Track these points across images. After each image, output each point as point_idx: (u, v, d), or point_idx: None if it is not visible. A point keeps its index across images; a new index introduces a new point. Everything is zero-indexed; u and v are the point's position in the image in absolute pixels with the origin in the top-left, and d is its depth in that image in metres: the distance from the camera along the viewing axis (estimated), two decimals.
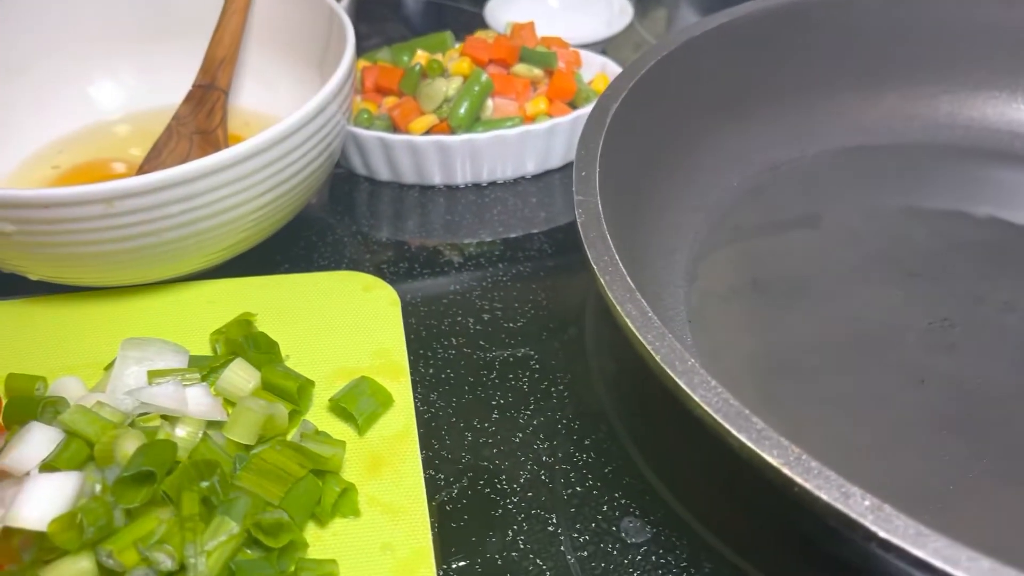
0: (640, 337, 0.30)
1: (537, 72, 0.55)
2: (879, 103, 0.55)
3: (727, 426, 0.27)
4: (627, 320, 0.31)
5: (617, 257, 0.33)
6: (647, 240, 0.44)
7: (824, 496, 0.25)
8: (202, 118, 0.49)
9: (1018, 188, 0.51)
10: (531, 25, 0.58)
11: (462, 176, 0.54)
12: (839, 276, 0.46)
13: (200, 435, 0.34)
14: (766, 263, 0.47)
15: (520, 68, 0.55)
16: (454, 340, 0.44)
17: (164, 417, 0.34)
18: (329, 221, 0.53)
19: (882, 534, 0.24)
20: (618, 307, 0.31)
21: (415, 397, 0.41)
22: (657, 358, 0.29)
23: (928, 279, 0.45)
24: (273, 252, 0.49)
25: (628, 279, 0.32)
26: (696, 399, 0.28)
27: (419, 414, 0.40)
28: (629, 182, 0.43)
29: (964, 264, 0.46)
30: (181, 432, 0.33)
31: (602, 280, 0.33)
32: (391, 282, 0.46)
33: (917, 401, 0.39)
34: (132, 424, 0.34)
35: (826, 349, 0.42)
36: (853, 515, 0.24)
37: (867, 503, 0.24)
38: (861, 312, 0.44)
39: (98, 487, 0.32)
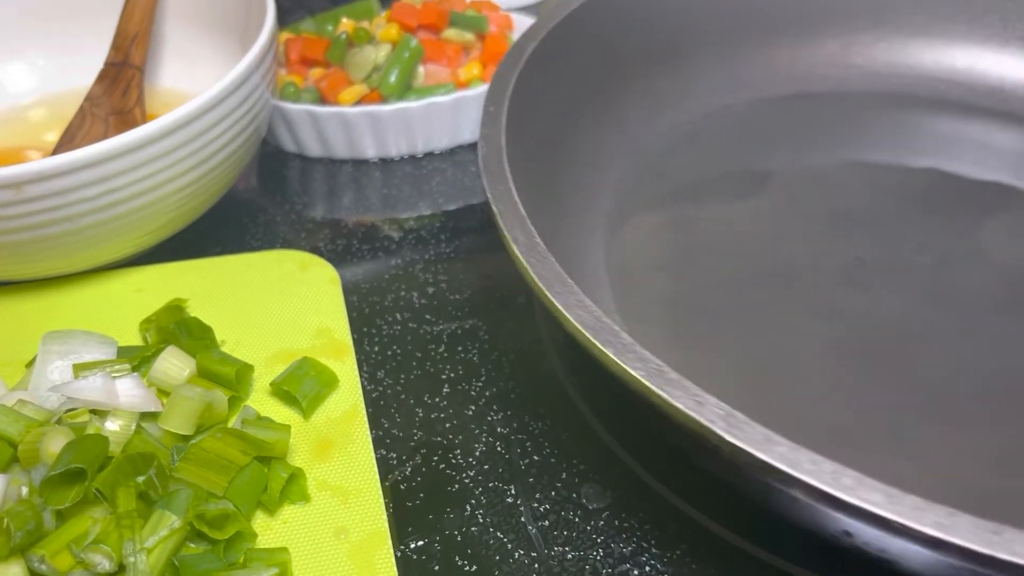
0: (524, 260, 0.30)
1: (469, 37, 0.53)
2: (817, 51, 0.54)
3: (595, 341, 0.27)
4: (513, 245, 0.30)
5: (513, 187, 0.32)
6: (569, 180, 0.43)
7: (679, 405, 0.25)
8: (117, 98, 0.46)
9: (956, 137, 0.51)
10: None
11: (396, 148, 0.52)
12: (762, 219, 0.46)
13: (133, 428, 0.32)
14: (691, 207, 0.47)
15: (451, 33, 0.53)
16: (399, 316, 0.43)
17: (93, 412, 0.32)
18: (260, 201, 0.51)
19: (729, 438, 0.24)
20: (506, 233, 0.31)
21: (362, 376, 0.39)
22: (539, 283, 0.29)
23: (852, 222, 0.45)
24: (203, 235, 0.46)
25: (520, 208, 0.32)
26: (569, 317, 0.27)
27: (367, 393, 0.39)
28: (550, 123, 0.42)
29: (890, 209, 0.46)
30: (112, 426, 0.31)
31: (495, 208, 0.32)
32: (329, 261, 0.44)
33: (824, 336, 0.39)
34: (59, 421, 0.32)
35: (740, 287, 0.42)
36: (704, 421, 0.24)
37: (720, 411, 0.24)
38: (779, 252, 0.43)
39: (24, 490, 0.30)
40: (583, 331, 0.27)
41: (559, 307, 0.28)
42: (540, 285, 0.29)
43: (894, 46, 0.55)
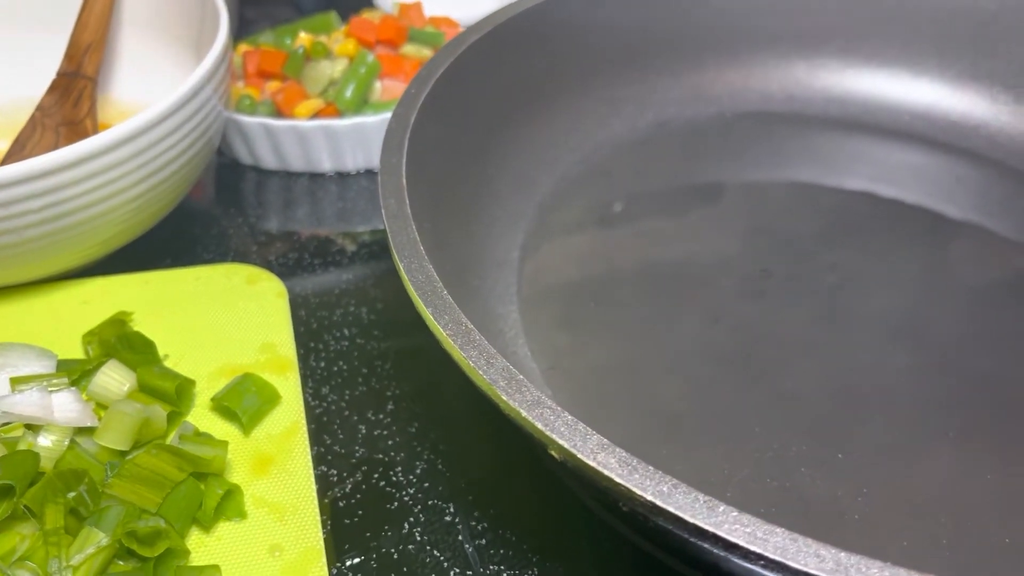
0: (407, 277, 0.31)
1: (426, 52, 0.53)
2: (786, 72, 0.55)
3: (456, 346, 0.28)
4: (396, 255, 0.32)
5: (407, 200, 0.34)
6: (502, 180, 0.46)
7: (506, 398, 0.26)
8: (68, 109, 0.46)
9: (912, 169, 0.52)
10: (419, 5, 0.56)
11: (353, 162, 0.53)
12: (687, 228, 0.47)
13: (67, 443, 0.32)
14: (621, 211, 0.48)
15: (409, 49, 0.54)
16: (347, 331, 0.43)
17: (27, 426, 0.32)
18: (213, 213, 0.51)
19: (552, 435, 0.25)
20: (395, 253, 0.32)
21: (306, 392, 0.39)
22: (415, 293, 0.30)
23: (770, 237, 0.46)
24: (154, 247, 0.46)
25: (408, 208, 0.33)
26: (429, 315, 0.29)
27: (311, 409, 0.39)
28: (486, 119, 0.45)
29: (813, 227, 0.47)
30: (45, 441, 0.31)
31: (383, 205, 0.34)
32: (280, 274, 0.44)
33: (702, 336, 0.40)
34: None
35: (640, 283, 0.43)
36: (519, 406, 0.26)
37: (548, 403, 0.26)
38: (693, 259, 0.45)
39: None
40: (446, 336, 0.29)
41: (422, 305, 0.30)
42: (415, 294, 0.30)
43: (862, 74, 0.55)
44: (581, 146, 0.51)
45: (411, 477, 0.36)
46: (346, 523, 0.34)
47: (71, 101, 0.46)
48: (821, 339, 0.40)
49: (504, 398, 0.27)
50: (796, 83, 0.56)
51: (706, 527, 0.23)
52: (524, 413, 0.27)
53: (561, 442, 0.26)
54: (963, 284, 0.44)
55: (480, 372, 0.28)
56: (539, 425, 0.26)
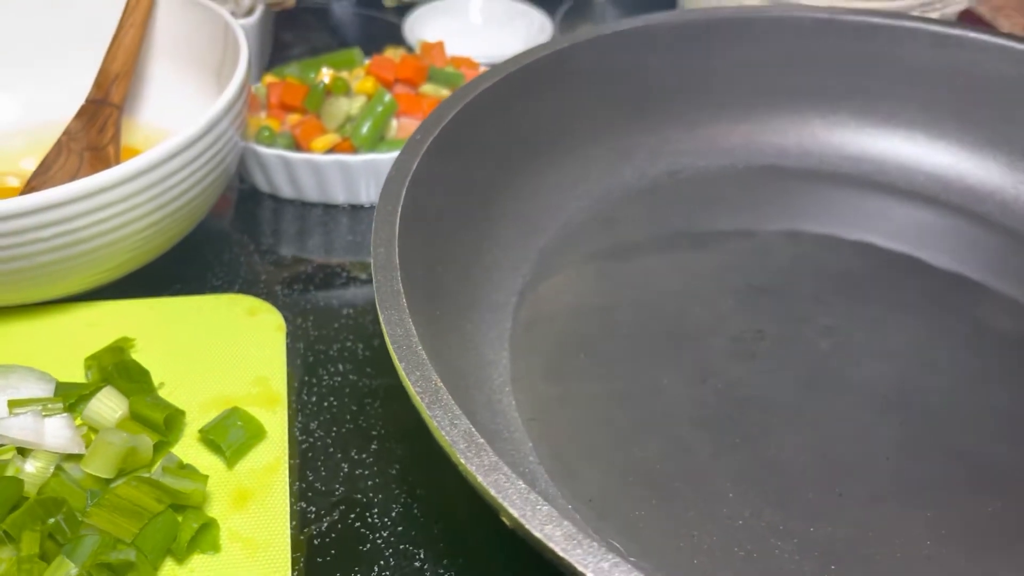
0: (386, 329, 0.32)
1: (444, 92, 0.55)
2: (802, 127, 0.55)
3: (423, 404, 0.30)
4: (378, 306, 0.33)
5: (397, 249, 0.35)
6: (502, 223, 0.47)
7: (464, 460, 0.28)
8: (94, 134, 0.48)
9: (919, 229, 0.52)
10: (440, 44, 0.58)
11: (367, 195, 0.54)
12: (683, 280, 0.47)
13: (51, 470, 0.33)
14: (620, 261, 0.48)
15: (428, 88, 0.55)
16: (341, 367, 0.44)
17: (19, 450, 0.34)
18: (228, 239, 0.52)
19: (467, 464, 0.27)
20: (378, 303, 0.33)
21: (295, 426, 0.41)
22: (391, 345, 0.31)
23: (769, 295, 0.46)
24: (167, 269, 0.48)
25: (396, 259, 0.34)
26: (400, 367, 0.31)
27: (298, 444, 0.40)
28: (493, 164, 0.46)
29: (813, 287, 0.46)
30: (30, 467, 0.33)
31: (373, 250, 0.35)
32: (284, 305, 0.46)
33: (687, 395, 0.40)
34: None
35: (632, 336, 0.44)
36: (475, 470, 0.27)
37: (504, 469, 0.27)
38: (686, 313, 0.45)
39: None
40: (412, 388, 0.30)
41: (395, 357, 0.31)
42: (391, 346, 0.31)
43: (879, 133, 0.55)
44: (589, 193, 0.51)
45: (386, 519, 0.37)
46: (318, 561, 0.35)
47: (96, 127, 0.48)
48: (807, 407, 0.40)
49: (462, 461, 0.28)
50: (812, 138, 0.56)
51: None
52: (480, 478, 0.27)
53: (512, 511, 0.26)
54: (962, 354, 0.43)
55: (442, 432, 0.29)
56: (492, 491, 0.27)
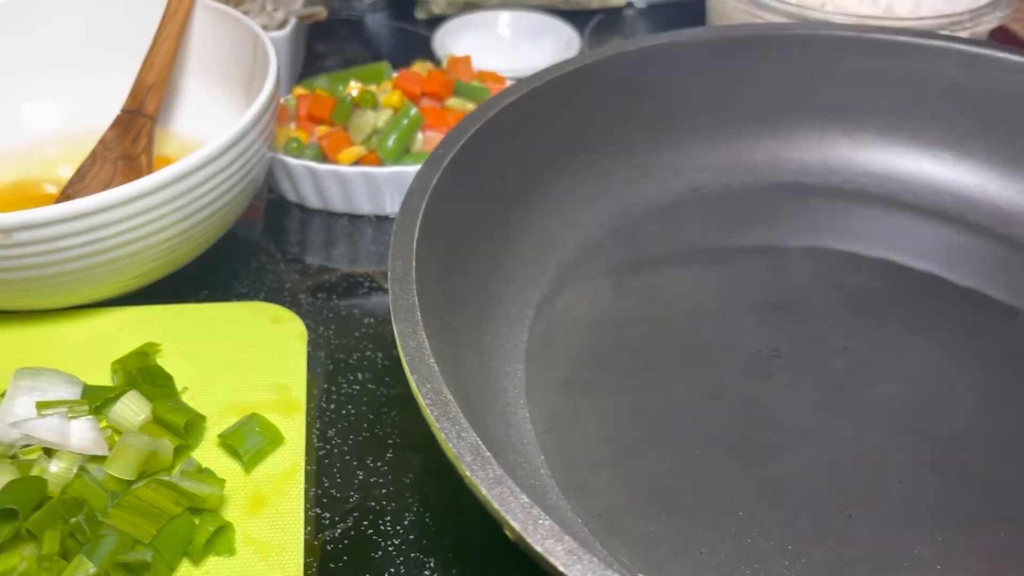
0: (400, 341, 0.33)
1: (469, 106, 0.55)
2: (827, 145, 0.55)
3: (432, 416, 0.30)
4: (393, 318, 0.34)
5: (414, 263, 0.36)
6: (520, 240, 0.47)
7: (468, 473, 0.28)
8: (128, 144, 0.49)
9: (942, 247, 0.51)
10: (467, 59, 0.58)
11: (392, 207, 0.55)
12: (700, 296, 0.47)
13: (75, 470, 0.34)
14: (638, 276, 0.49)
15: (453, 102, 0.55)
16: (360, 375, 0.45)
17: (45, 450, 0.35)
18: (255, 247, 0.53)
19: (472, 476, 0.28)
20: (393, 315, 0.34)
21: (313, 433, 0.41)
22: (404, 357, 0.33)
23: (786, 313, 0.46)
24: (195, 276, 0.49)
25: (413, 272, 0.35)
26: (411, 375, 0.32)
27: (315, 451, 0.41)
28: (515, 178, 0.47)
29: (832, 305, 0.46)
30: (55, 467, 0.34)
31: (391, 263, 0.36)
32: (307, 313, 0.47)
33: (702, 413, 0.40)
34: (14, 456, 0.35)
35: (648, 351, 0.44)
36: (480, 483, 0.28)
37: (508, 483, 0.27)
38: (702, 330, 0.45)
39: None
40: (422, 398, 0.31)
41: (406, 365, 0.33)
42: (404, 359, 0.33)
43: (906, 152, 0.55)
44: (609, 208, 0.52)
45: (399, 528, 0.38)
46: (330, 567, 0.36)
47: (131, 137, 0.50)
48: (820, 427, 0.40)
49: (467, 472, 0.28)
50: (836, 156, 0.55)
51: None
52: (483, 490, 0.28)
53: (514, 524, 0.27)
54: (982, 377, 0.43)
55: (449, 444, 0.29)
56: (495, 504, 0.27)
